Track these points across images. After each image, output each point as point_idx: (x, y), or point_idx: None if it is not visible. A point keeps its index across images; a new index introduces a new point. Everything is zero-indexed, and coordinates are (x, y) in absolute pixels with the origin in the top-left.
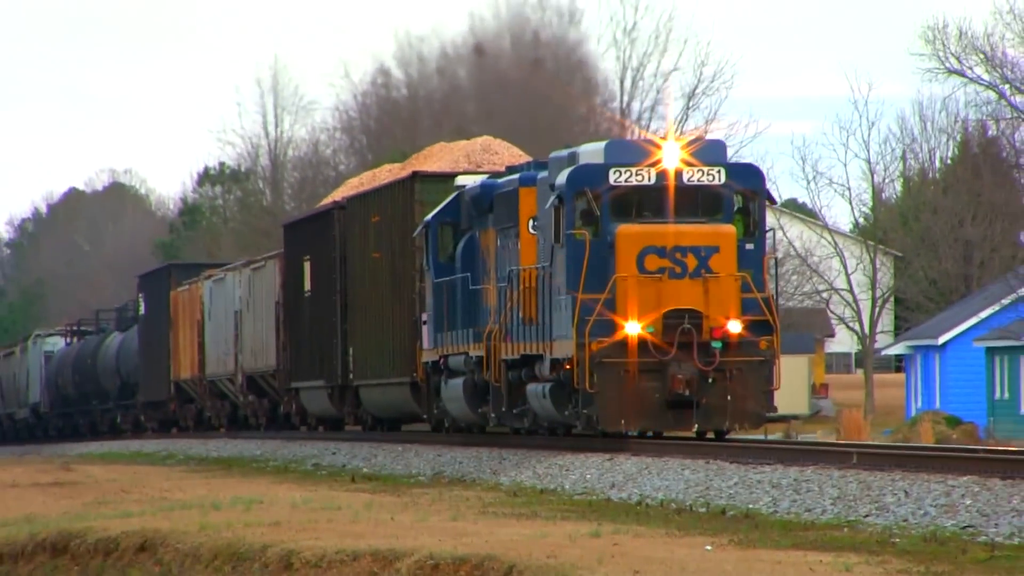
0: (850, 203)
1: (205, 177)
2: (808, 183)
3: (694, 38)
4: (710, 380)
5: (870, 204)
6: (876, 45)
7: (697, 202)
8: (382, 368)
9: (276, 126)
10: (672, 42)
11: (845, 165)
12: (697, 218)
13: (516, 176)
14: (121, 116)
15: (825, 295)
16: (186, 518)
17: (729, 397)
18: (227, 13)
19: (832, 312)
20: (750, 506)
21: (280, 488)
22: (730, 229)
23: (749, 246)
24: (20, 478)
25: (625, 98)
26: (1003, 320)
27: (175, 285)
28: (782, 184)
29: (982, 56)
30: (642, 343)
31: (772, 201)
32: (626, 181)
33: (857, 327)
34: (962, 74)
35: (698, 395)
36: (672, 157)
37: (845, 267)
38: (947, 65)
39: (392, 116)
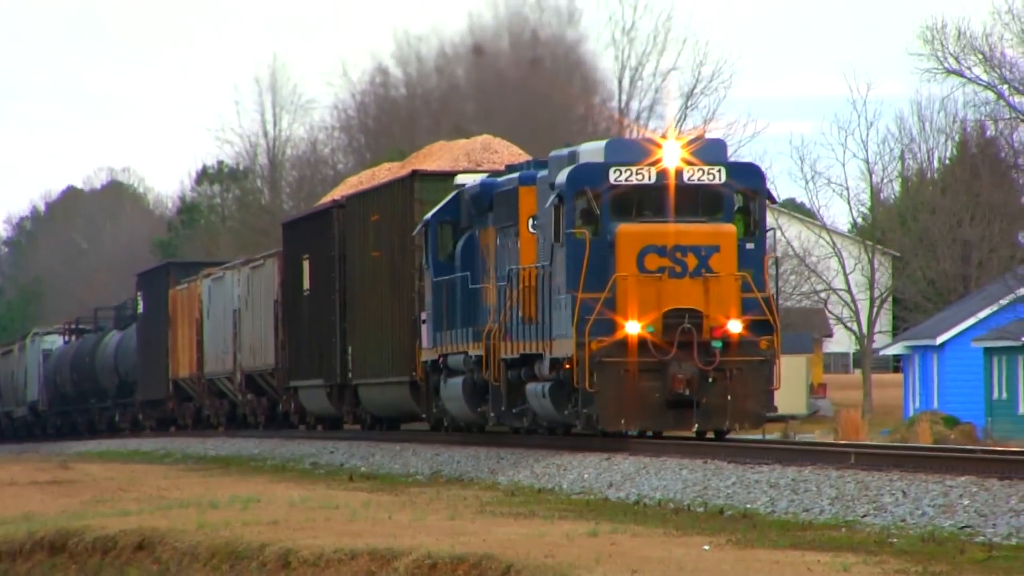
0: (848, 203)
1: (203, 176)
2: (806, 183)
3: (692, 38)
4: (710, 380)
5: (868, 204)
6: (875, 45)
7: (697, 201)
8: (381, 367)
9: (274, 125)
10: (671, 42)
11: (843, 165)
12: (697, 217)
13: (516, 175)
14: (119, 115)
15: (823, 295)
16: (184, 517)
17: (729, 397)
18: (226, 12)
19: (830, 312)
20: (748, 506)
21: (278, 487)
22: (730, 228)
23: (749, 245)
24: (18, 476)
25: (623, 97)
26: (1001, 320)
27: (174, 283)
28: (780, 184)
29: (981, 56)
30: (642, 343)
31: (773, 200)
32: (626, 180)
33: (855, 327)
34: (961, 74)
35: (698, 395)
36: (672, 156)
37: (843, 267)
38: (946, 65)
39: (391, 115)
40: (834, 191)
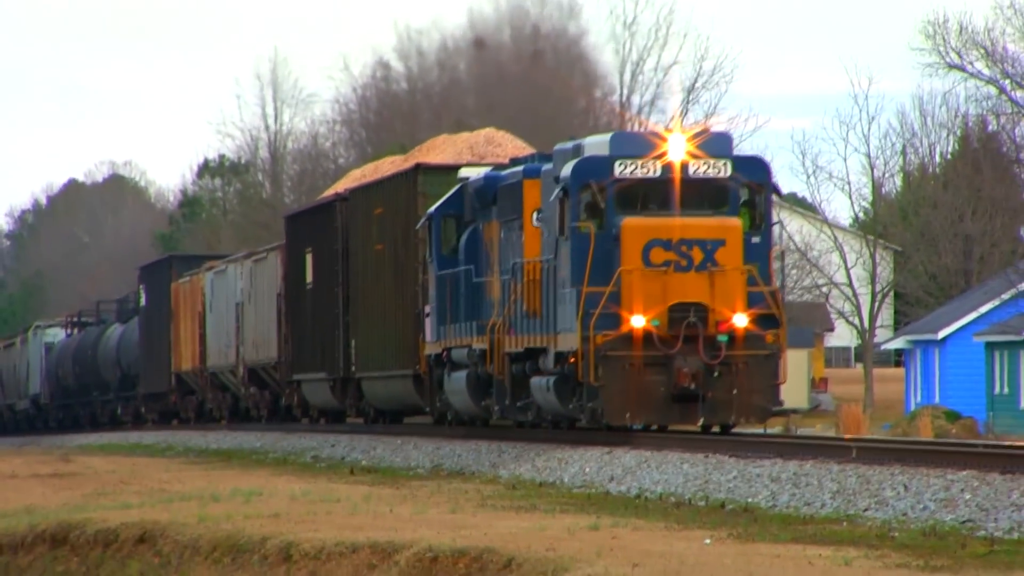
0: (850, 198)
1: (205, 169)
2: (808, 177)
3: (694, 32)
4: (716, 374)
5: (870, 199)
6: (876, 40)
7: (703, 195)
8: (385, 360)
9: (276, 119)
10: (672, 36)
11: (845, 160)
12: (703, 211)
13: (520, 168)
14: (121, 108)
15: (825, 289)
16: (185, 510)
17: (735, 391)
18: (227, 6)
19: (832, 306)
20: (749, 500)
21: (279, 480)
22: (736, 222)
23: (755, 239)
24: (20, 469)
25: (625, 92)
26: (1003, 315)
27: (176, 277)
28: (782, 178)
29: (982, 51)
30: (647, 336)
31: (778, 194)
32: (631, 173)
33: (857, 321)
34: (962, 69)
35: (704, 389)
36: (678, 149)
37: (845, 262)
38: (947, 60)
39: (392, 109)
40: (835, 186)
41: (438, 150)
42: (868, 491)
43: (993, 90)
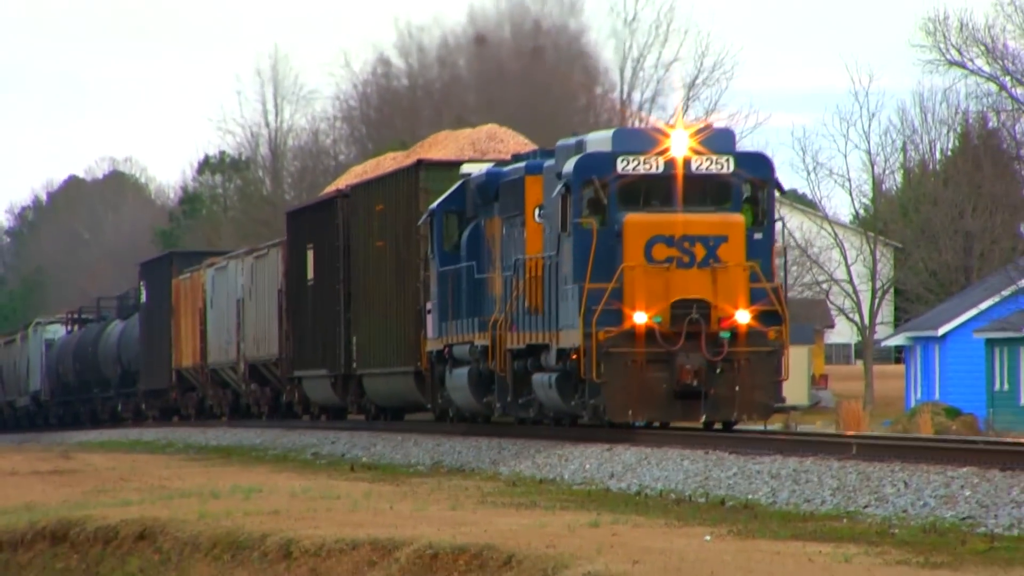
0: (850, 194)
1: (205, 166)
2: (808, 174)
3: (694, 29)
4: (718, 371)
5: (870, 195)
6: (877, 36)
7: (705, 191)
8: (386, 357)
9: (276, 115)
10: (672, 33)
11: (845, 156)
12: (705, 207)
13: (522, 164)
14: (121, 105)
15: (825, 286)
16: (185, 507)
17: (737, 388)
18: (228, 3)
19: (832, 303)
20: (749, 497)
21: (279, 477)
22: (739, 218)
23: (758, 235)
24: (20, 466)
25: (625, 88)
26: (1003, 312)
27: (177, 273)
28: (782, 175)
29: (983, 48)
30: (650, 333)
31: (781, 190)
32: (634, 170)
33: (857, 318)
34: (963, 66)
35: (706, 386)
36: (680, 145)
37: (845, 258)
38: (948, 57)
39: (392, 106)
40: (836, 182)
41: (440, 146)
42: (868, 488)
43: (993, 87)
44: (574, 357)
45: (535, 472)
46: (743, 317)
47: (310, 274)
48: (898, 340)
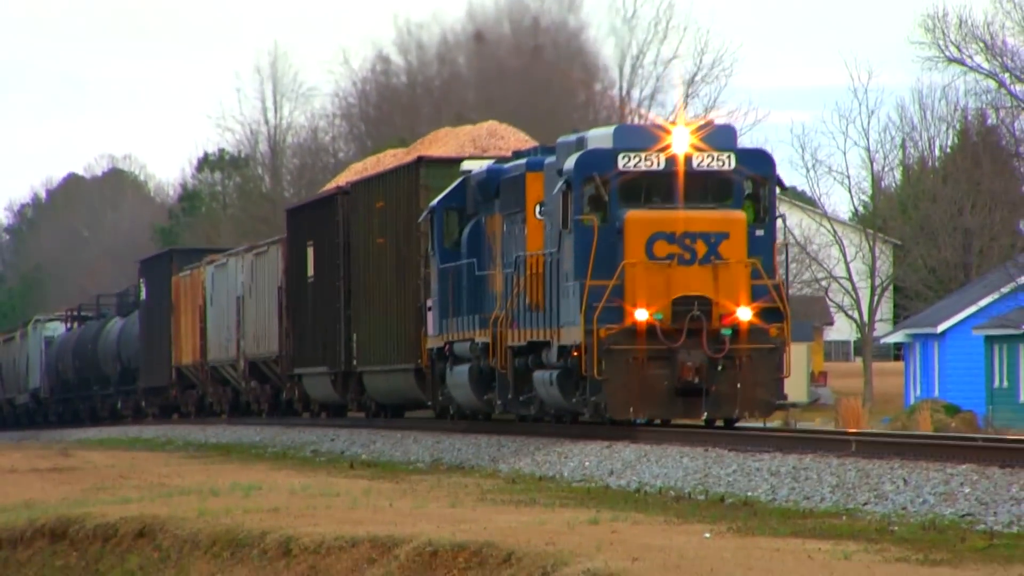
0: (849, 191)
1: (204, 163)
2: (807, 171)
3: (694, 26)
4: (719, 368)
5: (869, 192)
6: (876, 33)
7: (707, 188)
8: (386, 354)
9: (275, 113)
10: (671, 30)
11: (844, 153)
12: (707, 204)
13: (523, 161)
14: (121, 102)
15: (824, 283)
16: (185, 504)
17: (739, 385)
18: (227, 0)
19: (831, 300)
20: (749, 494)
21: (279, 474)
22: (740, 215)
23: (759, 232)
24: (19, 464)
25: (625, 86)
26: (1002, 309)
27: (176, 270)
28: (781, 172)
29: (982, 45)
30: (651, 330)
31: (783, 187)
32: (635, 166)
33: (856, 315)
34: (962, 63)
35: (707, 383)
36: (681, 142)
37: (844, 255)
38: (947, 54)
39: (391, 103)
40: (835, 179)
41: (440, 143)
42: (867, 485)
43: (992, 84)
44: (575, 354)
45: (534, 469)
46: (744, 314)
47: (310, 271)
48: (897, 337)
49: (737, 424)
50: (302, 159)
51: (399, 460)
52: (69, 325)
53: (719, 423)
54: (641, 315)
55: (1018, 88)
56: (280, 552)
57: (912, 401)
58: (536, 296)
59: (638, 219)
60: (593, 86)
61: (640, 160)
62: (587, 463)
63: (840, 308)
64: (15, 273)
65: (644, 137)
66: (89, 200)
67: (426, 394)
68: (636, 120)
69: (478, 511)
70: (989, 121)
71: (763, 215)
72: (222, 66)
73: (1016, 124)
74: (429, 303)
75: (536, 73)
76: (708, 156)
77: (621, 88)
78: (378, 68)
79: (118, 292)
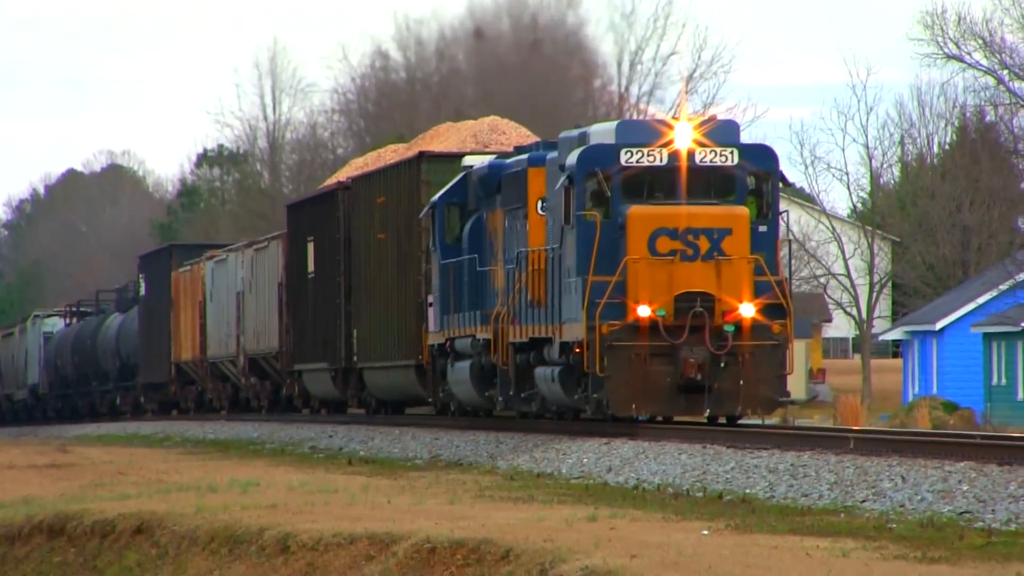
0: (848, 188)
1: (203, 159)
2: (806, 168)
3: (692, 22)
4: (722, 364)
5: (868, 189)
6: (875, 30)
7: (709, 183)
8: (387, 351)
9: (274, 109)
10: (670, 26)
11: (843, 150)
12: (709, 199)
13: (525, 156)
14: (119, 98)
15: (823, 280)
16: (183, 500)
17: (742, 382)
18: None
19: (829, 297)
20: (747, 491)
21: (277, 471)
22: (743, 211)
23: (762, 228)
24: (17, 460)
25: (623, 82)
26: (1001, 306)
27: (176, 266)
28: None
29: (981, 41)
30: (653, 326)
31: (786, 182)
32: (637, 162)
33: (854, 312)
34: (961, 59)
35: (710, 380)
36: (684, 137)
37: (843, 252)
38: (946, 50)
39: (391, 99)
40: (834, 176)
41: (441, 138)
42: (866, 482)
43: (991, 81)
44: (577, 350)
45: (533, 466)
46: (747, 310)
47: (310, 267)
48: (896, 334)
49: (739, 421)
50: (301, 155)
51: (397, 456)
52: (68, 321)
53: (722, 420)
54: (643, 311)
55: (1017, 85)
56: (278, 549)
57: (910, 398)
58: (538, 292)
59: (641, 215)
60: (592, 82)
61: (643, 155)
62: (585, 460)
63: (839, 305)
64: (14, 269)
65: (647, 132)
66: (88, 196)
67: (427, 390)
68: (635, 116)
69: (476, 508)
70: (988, 118)
71: (766, 211)
72: (221, 62)
73: (1015, 121)
74: (430, 299)
75: (535, 69)
76: (711, 152)
77: (620, 84)
78: (377, 64)
79: (117, 288)
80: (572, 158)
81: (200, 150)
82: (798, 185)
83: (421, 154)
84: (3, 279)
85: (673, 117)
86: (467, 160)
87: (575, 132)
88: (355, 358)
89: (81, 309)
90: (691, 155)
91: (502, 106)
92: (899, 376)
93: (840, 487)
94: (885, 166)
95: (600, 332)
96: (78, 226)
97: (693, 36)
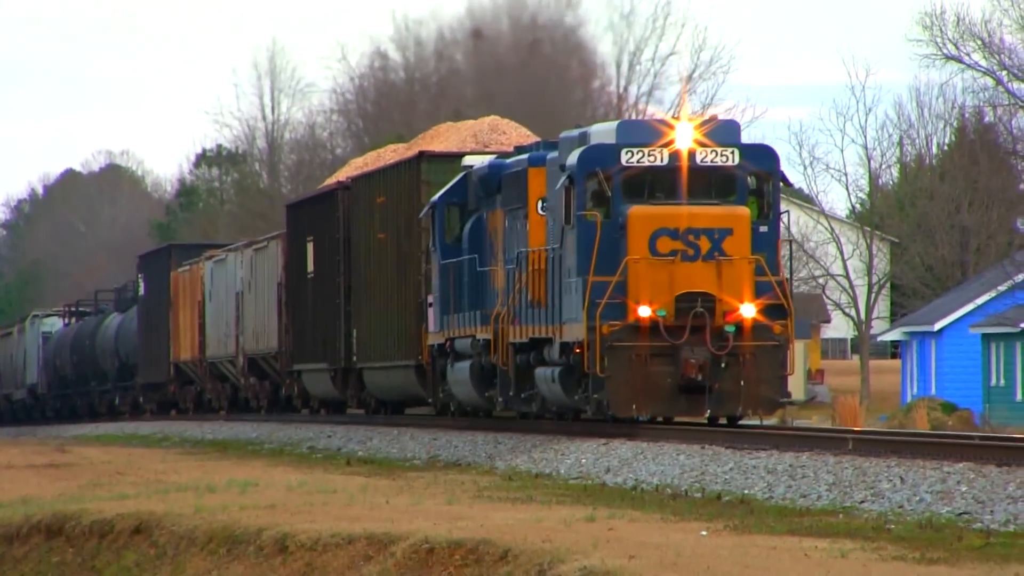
0: (847, 189)
1: (202, 159)
2: (805, 169)
3: (691, 23)
4: (723, 365)
5: (867, 190)
6: (873, 31)
7: (710, 183)
8: (387, 351)
9: (273, 109)
10: (669, 26)
11: (842, 151)
12: (710, 200)
13: (525, 156)
14: (118, 98)
15: (821, 281)
16: (181, 500)
17: (742, 382)
18: None
19: (828, 298)
20: (745, 492)
21: (275, 471)
22: (744, 211)
23: (763, 228)
24: (16, 459)
25: (622, 82)
26: (999, 307)
27: (175, 266)
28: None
29: (979, 42)
30: (654, 327)
31: (787, 183)
32: (638, 162)
33: (853, 313)
34: (959, 60)
35: (711, 380)
36: (685, 137)
37: (841, 253)
38: (944, 51)
39: (389, 99)
40: (832, 177)
41: (441, 138)
42: (864, 483)
43: (990, 81)
44: (577, 351)
45: (531, 467)
46: (748, 311)
47: (310, 267)
48: (894, 335)
49: (740, 422)
50: (299, 155)
51: (396, 457)
52: (67, 320)
53: (722, 421)
54: (644, 311)
55: (1015, 86)
56: (276, 549)
57: (909, 399)
58: (538, 292)
59: (641, 215)
60: (591, 82)
61: (643, 155)
62: (584, 460)
63: (837, 306)
64: (12, 268)
65: (647, 132)
66: (86, 196)
67: (427, 391)
68: (634, 116)
69: (475, 508)
70: (986, 119)
71: (767, 211)
72: (220, 62)
73: (1013, 122)
74: (430, 299)
75: (534, 69)
76: (712, 151)
77: (619, 84)
78: (376, 64)
79: (116, 287)
80: (573, 158)
81: (199, 150)
82: (796, 186)
83: (421, 154)
84: (2, 279)
85: (674, 117)
86: (467, 160)
87: (575, 132)
88: (355, 358)
89: (80, 309)
90: (692, 155)
91: (501, 106)
92: (898, 377)
93: (839, 488)
94: (884, 167)
95: (601, 332)
96: (76, 226)
97: (692, 36)
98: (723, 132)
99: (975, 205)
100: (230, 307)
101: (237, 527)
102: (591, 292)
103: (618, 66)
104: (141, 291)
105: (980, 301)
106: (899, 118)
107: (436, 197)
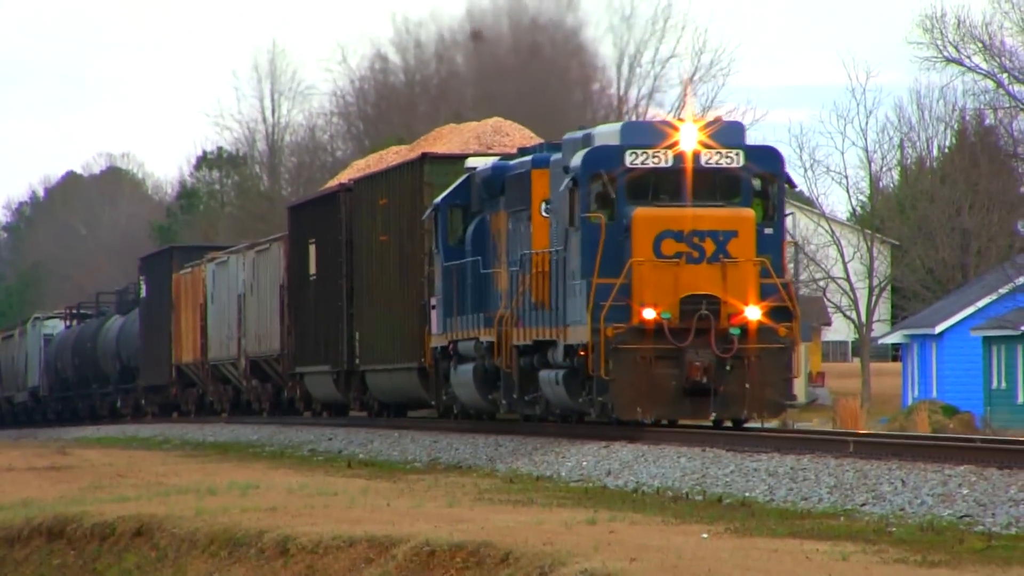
0: (847, 191)
1: (202, 161)
2: (805, 171)
3: (692, 25)
4: (728, 367)
5: (867, 192)
6: (874, 33)
7: (715, 185)
8: (389, 353)
9: (273, 111)
10: (669, 29)
11: (843, 153)
12: (715, 202)
13: (528, 158)
14: (119, 100)
15: (822, 283)
16: (182, 503)
17: (747, 385)
18: None
19: (829, 300)
20: (747, 494)
21: (276, 473)
22: (749, 213)
23: (768, 230)
24: (16, 462)
25: (623, 84)
26: (1000, 309)
27: (177, 268)
28: None
29: (980, 45)
30: (658, 329)
31: (792, 185)
32: (642, 163)
33: (854, 316)
34: (960, 63)
35: (715, 383)
36: (690, 139)
37: (842, 255)
38: (945, 54)
39: (389, 102)
40: (833, 179)
41: (444, 140)
42: (865, 486)
43: (991, 84)
44: (582, 353)
45: (532, 469)
46: (753, 313)
47: (312, 269)
48: (895, 338)
49: (744, 425)
50: (300, 158)
51: (396, 459)
52: (68, 323)
53: (727, 423)
54: (649, 314)
55: (1016, 88)
56: (277, 551)
57: (910, 402)
58: (542, 294)
59: (646, 217)
60: (591, 85)
61: (648, 157)
62: (585, 463)
63: (838, 308)
64: (14, 271)
65: (652, 134)
66: (87, 198)
67: (429, 393)
68: (634, 118)
69: (475, 511)
70: (987, 121)
71: (772, 213)
72: (220, 64)
73: (1014, 124)
74: (433, 301)
75: (534, 72)
76: (716, 153)
77: (619, 87)
78: (376, 67)
79: (118, 290)
80: (576, 160)
81: (199, 152)
82: (797, 188)
83: (424, 156)
84: (3, 281)
85: (678, 118)
86: (470, 162)
87: (579, 133)
88: (357, 360)
89: (81, 311)
90: (696, 157)
91: (501, 108)
92: (898, 380)
93: (840, 491)
94: (884, 169)
95: (605, 335)
96: (77, 228)
97: (692, 39)
98: (728, 134)
99: (976, 208)
100: (232, 309)
101: (238, 529)
102: (595, 294)
103: (618, 68)
104: (143, 293)
105: (981, 304)
106: (900, 121)
107: (439, 199)
